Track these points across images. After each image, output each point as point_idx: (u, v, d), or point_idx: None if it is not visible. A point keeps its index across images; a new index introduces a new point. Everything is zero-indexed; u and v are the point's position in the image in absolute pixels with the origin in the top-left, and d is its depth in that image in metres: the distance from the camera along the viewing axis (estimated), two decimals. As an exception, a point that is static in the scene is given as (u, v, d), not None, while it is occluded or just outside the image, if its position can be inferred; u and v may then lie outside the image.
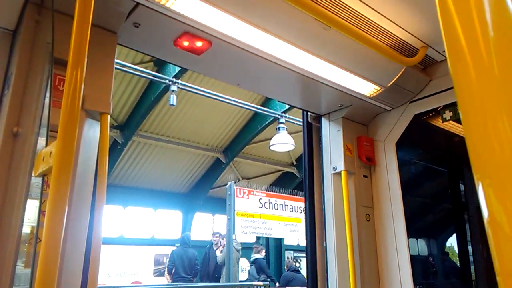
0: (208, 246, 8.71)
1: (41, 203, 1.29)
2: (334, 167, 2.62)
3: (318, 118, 2.79)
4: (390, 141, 2.67)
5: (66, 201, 1.06)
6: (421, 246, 3.12)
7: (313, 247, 2.60)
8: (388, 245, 2.57)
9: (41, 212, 1.28)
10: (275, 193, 8.26)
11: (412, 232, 2.66)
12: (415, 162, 3.28)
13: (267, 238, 13.31)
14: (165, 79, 7.99)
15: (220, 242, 8.21)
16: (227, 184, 8.19)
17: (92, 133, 1.52)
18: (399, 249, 2.51)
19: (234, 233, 7.54)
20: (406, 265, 2.46)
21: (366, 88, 2.43)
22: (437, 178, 3.42)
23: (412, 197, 2.90)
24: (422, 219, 3.20)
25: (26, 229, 1.36)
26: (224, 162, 12.09)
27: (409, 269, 2.44)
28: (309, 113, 2.79)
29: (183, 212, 13.54)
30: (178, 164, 12.11)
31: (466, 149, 0.49)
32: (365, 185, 2.67)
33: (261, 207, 7.85)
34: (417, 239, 2.99)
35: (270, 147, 9.17)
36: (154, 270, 9.76)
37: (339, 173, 2.59)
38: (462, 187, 3.40)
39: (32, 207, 1.36)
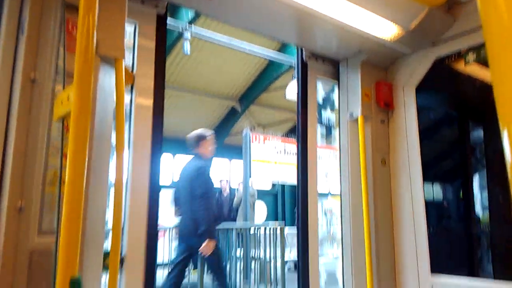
0: (217, 192, 9.03)
1: (62, 147, 1.33)
2: (351, 113, 2.59)
3: (314, 56, 2.66)
4: (409, 86, 2.60)
5: (87, 143, 1.08)
6: (436, 191, 3.14)
7: (304, 194, 2.52)
8: (403, 190, 2.59)
9: (63, 155, 1.32)
10: (291, 139, 8.29)
11: (428, 177, 2.65)
12: (434, 107, 3.21)
13: (283, 185, 13.58)
14: (178, 26, 7.82)
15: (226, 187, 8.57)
16: (243, 131, 8.25)
17: (108, 80, 1.52)
18: (414, 194, 2.53)
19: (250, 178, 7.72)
20: (420, 210, 2.49)
21: (388, 31, 2.33)
22: (456, 124, 3.36)
23: (429, 142, 2.87)
24: (439, 164, 3.19)
25: (50, 172, 1.42)
26: (240, 110, 12.09)
27: (423, 214, 2.47)
28: (303, 51, 2.60)
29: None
30: (194, 112, 12.16)
31: (488, 95, 0.47)
32: (382, 130, 2.65)
33: (277, 153, 7.92)
34: (432, 185, 3.00)
35: (286, 95, 9.09)
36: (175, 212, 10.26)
37: (356, 119, 2.57)
38: (481, 134, 3.34)
39: (54, 151, 1.40)
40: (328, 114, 3.70)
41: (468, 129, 3.32)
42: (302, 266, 2.45)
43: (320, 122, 3.09)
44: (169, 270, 4.33)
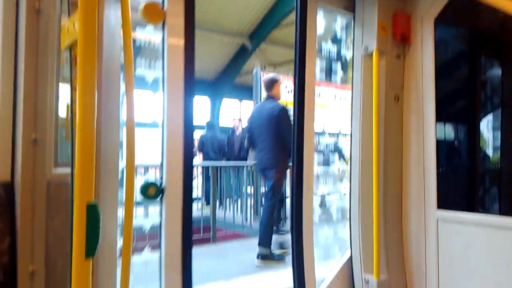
0: (230, 131, 9.06)
1: (71, 79, 1.31)
2: (365, 47, 2.51)
3: None
4: (428, 18, 2.48)
5: (95, 73, 1.07)
6: (448, 130, 3.10)
7: (300, 132, 2.43)
8: (415, 128, 2.57)
9: (73, 88, 1.31)
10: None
11: (441, 115, 2.61)
12: (452, 42, 3.08)
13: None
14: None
15: (239, 126, 8.56)
16: (253, 70, 8.11)
17: (114, 15, 1.47)
18: (426, 131, 2.51)
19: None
20: (431, 147, 2.48)
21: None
22: (473, 61, 3.23)
23: (445, 79, 2.78)
24: (452, 102, 3.12)
25: (62, 104, 1.42)
26: (250, 48, 11.78)
27: (434, 152, 2.47)
28: None
29: (210, 99, 13.77)
30: (202, 51, 11.90)
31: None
32: (397, 66, 2.57)
33: (288, 93, 7.82)
34: (444, 123, 2.96)
35: (298, 31, 8.75)
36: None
37: (371, 54, 2.49)
38: (499, 71, 3.23)
39: (65, 83, 1.40)
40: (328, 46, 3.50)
41: (486, 67, 3.21)
42: (296, 204, 2.41)
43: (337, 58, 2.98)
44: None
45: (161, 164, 1.94)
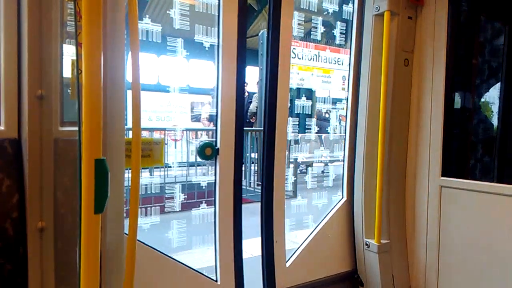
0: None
1: (77, 35, 1.28)
2: (377, 7, 2.42)
3: None
4: (444, -23, 2.38)
5: (101, 30, 1.04)
6: (456, 96, 3.05)
7: (272, 91, 2.33)
8: (424, 93, 2.53)
9: (78, 44, 1.28)
10: (309, 42, 7.97)
11: (450, 81, 2.55)
12: (468, 5, 2.97)
13: (298, 89, 13.42)
14: None
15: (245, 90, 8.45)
16: (259, 33, 7.91)
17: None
18: (434, 97, 2.47)
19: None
20: (439, 114, 2.45)
21: None
22: (487, 27, 3.13)
23: (456, 44, 2.71)
24: (462, 69, 3.05)
25: (67, 60, 1.40)
26: (256, 8, 11.45)
27: (441, 118, 2.44)
28: None
29: (215, 62, 13.54)
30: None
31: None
32: (409, 27, 2.50)
33: (294, 57, 7.68)
34: (453, 89, 2.90)
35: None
36: (191, 116, 10.37)
37: (381, 14, 2.41)
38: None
39: (69, 38, 1.36)
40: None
41: (500, 33, 3.11)
42: (267, 170, 2.36)
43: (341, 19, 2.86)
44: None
45: (216, 127, 2.16)
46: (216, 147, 2.13)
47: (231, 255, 2.20)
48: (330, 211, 2.69)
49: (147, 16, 2.01)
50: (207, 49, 2.21)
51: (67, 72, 1.44)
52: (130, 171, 1.50)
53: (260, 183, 7.05)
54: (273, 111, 2.34)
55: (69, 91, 1.42)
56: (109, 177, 1.00)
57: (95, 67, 1.05)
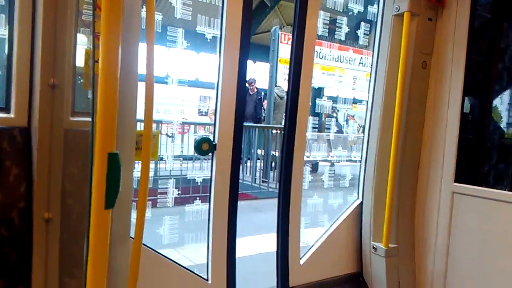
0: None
1: (94, 25, 1.25)
2: (397, 7, 2.37)
3: None
4: (467, -22, 2.32)
5: (120, 20, 1.01)
6: (474, 102, 2.99)
7: (295, 92, 2.32)
8: (441, 96, 2.47)
9: (95, 35, 1.25)
10: (322, 41, 7.88)
11: (468, 85, 2.49)
12: (492, 7, 2.89)
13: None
14: None
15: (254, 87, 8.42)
16: (271, 29, 7.86)
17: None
18: (452, 101, 2.42)
19: (276, 80, 7.58)
20: (455, 118, 2.40)
21: None
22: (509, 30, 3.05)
23: (477, 48, 2.64)
24: (482, 75, 2.98)
25: (80, 50, 1.37)
26: (269, 5, 11.37)
27: (457, 123, 2.39)
28: None
29: (217, 55, 13.48)
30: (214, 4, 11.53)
31: None
32: (429, 29, 2.44)
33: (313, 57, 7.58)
34: (471, 94, 2.84)
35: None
36: (198, 110, 10.35)
37: (401, 15, 2.35)
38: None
39: (83, 28, 1.33)
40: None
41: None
42: (285, 167, 2.35)
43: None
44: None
45: (214, 122, 2.09)
46: (214, 143, 2.07)
47: (224, 254, 2.16)
48: (345, 211, 2.66)
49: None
50: (208, 40, 2.17)
51: (79, 61, 1.41)
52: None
53: (265, 179, 7.02)
54: (294, 110, 2.31)
55: (81, 81, 1.39)
56: (121, 172, 0.97)
57: (113, 59, 1.02)
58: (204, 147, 2.04)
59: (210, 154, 2.08)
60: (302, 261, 2.46)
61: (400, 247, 2.52)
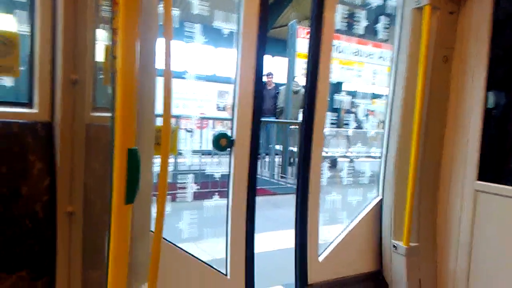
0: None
1: (112, 21, 1.26)
2: (417, 1, 2.31)
3: None
4: (492, -31, 2.25)
5: (137, 16, 1.01)
6: (498, 97, 2.91)
7: (312, 89, 2.30)
8: (463, 91, 2.41)
9: (113, 31, 1.26)
10: (340, 35, 7.80)
11: (491, 80, 2.42)
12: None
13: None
14: None
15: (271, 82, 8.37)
16: (288, 24, 7.81)
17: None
18: (474, 96, 2.36)
19: (294, 75, 7.53)
20: (478, 114, 2.33)
21: None
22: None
23: (501, 42, 2.56)
24: (506, 69, 2.89)
25: (100, 46, 1.39)
26: (287, -1, 11.27)
27: (481, 119, 2.33)
28: None
29: (235, 50, 13.48)
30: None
31: None
32: (450, 23, 2.38)
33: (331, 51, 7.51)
34: (494, 89, 2.76)
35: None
36: (217, 105, 10.40)
37: (421, 8, 2.30)
38: None
39: (103, 24, 1.35)
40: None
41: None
42: (303, 164, 2.34)
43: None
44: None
45: (232, 118, 2.10)
46: (232, 138, 2.08)
47: (242, 250, 2.17)
48: (364, 208, 2.64)
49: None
50: (225, 36, 2.19)
51: (100, 57, 1.43)
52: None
53: (283, 175, 7.02)
54: (312, 106, 2.29)
55: (101, 76, 1.41)
56: (140, 167, 0.98)
57: (130, 55, 1.03)
58: (222, 143, 2.05)
59: (228, 149, 2.09)
60: (320, 258, 2.44)
61: (421, 246, 2.48)
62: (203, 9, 2.10)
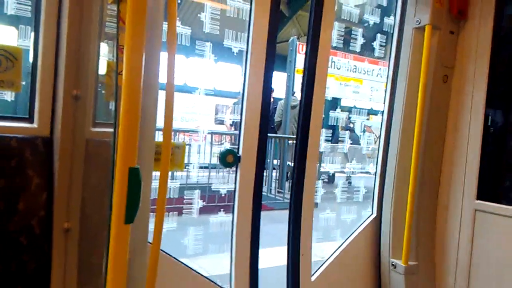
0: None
1: (118, 37, 1.26)
2: (417, 20, 2.34)
3: None
4: (491, -9, 2.28)
5: (144, 34, 1.01)
6: (496, 117, 2.92)
7: (307, 104, 2.28)
8: (462, 111, 2.42)
9: (118, 47, 1.26)
10: (339, 51, 7.88)
11: (490, 101, 2.43)
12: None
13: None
14: None
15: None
16: (289, 39, 7.87)
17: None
18: (474, 116, 2.36)
19: (294, 91, 7.57)
20: (477, 134, 2.34)
21: None
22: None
23: (500, 62, 2.58)
24: (505, 89, 2.91)
25: (103, 62, 1.38)
26: (287, 15, 11.41)
27: (480, 139, 2.33)
28: None
29: (242, 67, 13.60)
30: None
31: None
32: (450, 42, 2.40)
33: (328, 67, 7.57)
34: (493, 109, 2.77)
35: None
36: (215, 118, 10.40)
37: (422, 28, 2.32)
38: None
39: (107, 40, 1.35)
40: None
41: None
42: (297, 182, 2.31)
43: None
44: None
45: (239, 134, 2.11)
46: (238, 155, 2.08)
47: (247, 266, 2.15)
48: (359, 227, 2.60)
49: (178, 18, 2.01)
50: (235, 54, 2.22)
51: (102, 72, 1.43)
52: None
53: (280, 190, 6.98)
54: (306, 122, 2.28)
55: (102, 91, 1.41)
56: (142, 187, 0.97)
57: (136, 72, 1.02)
58: (229, 159, 2.05)
59: (235, 166, 2.10)
60: (313, 278, 2.39)
61: (420, 265, 2.46)
62: (213, 28, 2.15)
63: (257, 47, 2.04)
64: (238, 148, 2.10)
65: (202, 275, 2.06)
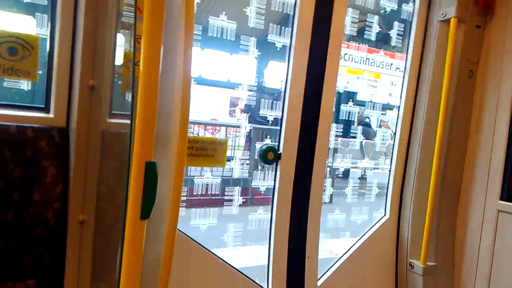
0: (275, 94, 8.86)
1: (135, 28, 1.23)
2: (443, 13, 2.25)
3: None
4: (522, -17, 2.18)
5: (162, 24, 0.98)
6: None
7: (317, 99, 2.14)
8: (488, 108, 2.33)
9: (135, 38, 1.23)
10: (356, 44, 7.72)
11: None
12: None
13: (338, 92, 13.11)
14: None
15: None
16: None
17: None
18: (499, 113, 2.27)
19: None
20: (503, 131, 2.25)
21: None
22: None
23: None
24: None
25: (119, 53, 1.35)
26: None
27: (505, 137, 2.24)
28: None
29: (257, 59, 13.52)
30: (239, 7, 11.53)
31: None
32: (476, 36, 2.30)
33: (340, 58, 7.45)
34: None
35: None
36: (230, 110, 10.36)
37: (447, 21, 2.23)
38: None
39: (123, 30, 1.32)
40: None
41: None
42: (305, 177, 2.18)
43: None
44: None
45: (280, 131, 2.08)
46: (279, 152, 2.05)
47: (284, 261, 2.12)
48: (370, 229, 2.51)
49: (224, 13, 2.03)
50: (278, 49, 2.17)
51: (119, 62, 1.40)
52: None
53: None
54: (315, 116, 2.14)
55: (119, 82, 1.38)
56: (158, 181, 0.94)
57: (154, 63, 0.98)
58: (270, 156, 2.03)
59: (275, 163, 2.07)
60: (319, 282, 2.27)
61: (439, 266, 2.39)
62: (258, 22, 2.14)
63: (301, 43, 2.00)
64: (278, 145, 2.07)
65: (240, 271, 2.04)
